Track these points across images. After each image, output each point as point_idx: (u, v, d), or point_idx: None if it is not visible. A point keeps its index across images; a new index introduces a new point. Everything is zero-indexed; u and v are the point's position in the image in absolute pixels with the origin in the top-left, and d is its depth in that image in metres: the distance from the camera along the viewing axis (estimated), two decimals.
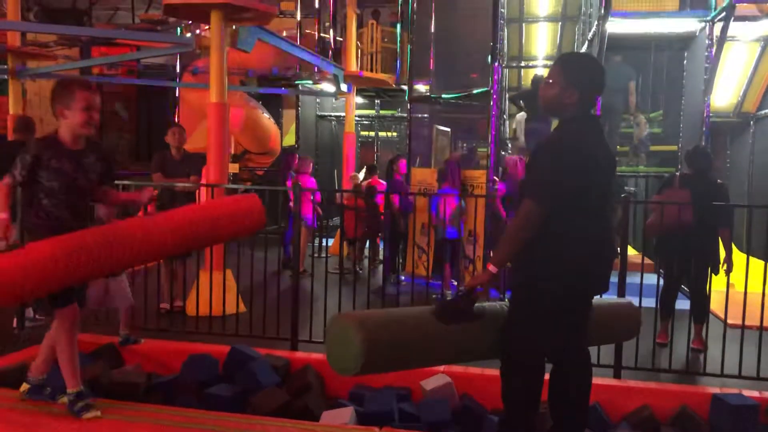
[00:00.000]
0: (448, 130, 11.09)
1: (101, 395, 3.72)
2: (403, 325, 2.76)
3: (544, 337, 2.87)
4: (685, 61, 8.51)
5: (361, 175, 10.07)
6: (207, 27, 8.66)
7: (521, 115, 9.65)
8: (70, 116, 3.23)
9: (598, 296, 3.09)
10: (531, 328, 2.85)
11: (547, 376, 2.99)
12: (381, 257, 8.91)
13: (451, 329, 2.79)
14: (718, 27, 7.17)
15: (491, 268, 2.79)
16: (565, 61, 3.00)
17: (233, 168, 10.42)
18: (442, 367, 4.22)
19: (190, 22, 11.61)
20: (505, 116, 9.92)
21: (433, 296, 6.15)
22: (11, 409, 3.36)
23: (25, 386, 3.53)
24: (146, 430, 3.18)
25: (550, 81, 2.92)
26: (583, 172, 2.73)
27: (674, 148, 8.64)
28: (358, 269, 8.27)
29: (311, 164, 9.03)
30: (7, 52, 9.37)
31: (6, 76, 9.55)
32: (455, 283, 7.39)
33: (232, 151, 11.83)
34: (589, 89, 2.89)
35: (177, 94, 12.97)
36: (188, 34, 12.16)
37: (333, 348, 2.70)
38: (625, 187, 9.53)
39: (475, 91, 8.14)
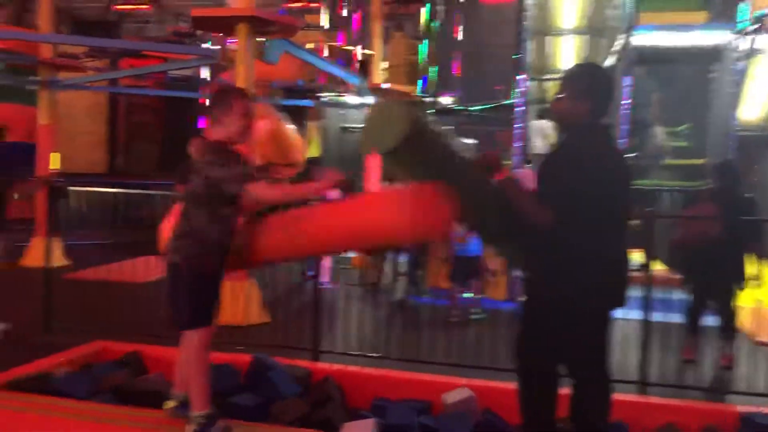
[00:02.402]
0: (474, 142, 11.05)
1: (124, 403, 3.75)
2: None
3: (554, 348, 2.86)
4: (713, 74, 8.41)
5: None
6: (234, 40, 8.76)
7: (537, 123, 9.59)
8: (228, 123, 3.07)
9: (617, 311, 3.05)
10: (541, 339, 2.86)
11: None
12: (402, 270, 8.87)
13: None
14: (746, 40, 7.09)
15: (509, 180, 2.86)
16: (572, 74, 3.02)
17: None
18: (464, 380, 4.18)
19: (220, 34, 11.77)
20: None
21: None
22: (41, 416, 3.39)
23: (171, 402, 3.32)
24: None
25: (561, 95, 2.94)
26: (596, 180, 2.71)
27: (701, 161, 8.53)
28: (380, 282, 8.25)
29: None
30: (39, 64, 9.56)
31: (36, 87, 9.73)
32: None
33: (257, 163, 11.91)
34: (599, 97, 2.90)
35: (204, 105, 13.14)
36: (216, 47, 12.32)
37: (371, 131, 2.56)
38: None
39: (500, 103, 8.13)
